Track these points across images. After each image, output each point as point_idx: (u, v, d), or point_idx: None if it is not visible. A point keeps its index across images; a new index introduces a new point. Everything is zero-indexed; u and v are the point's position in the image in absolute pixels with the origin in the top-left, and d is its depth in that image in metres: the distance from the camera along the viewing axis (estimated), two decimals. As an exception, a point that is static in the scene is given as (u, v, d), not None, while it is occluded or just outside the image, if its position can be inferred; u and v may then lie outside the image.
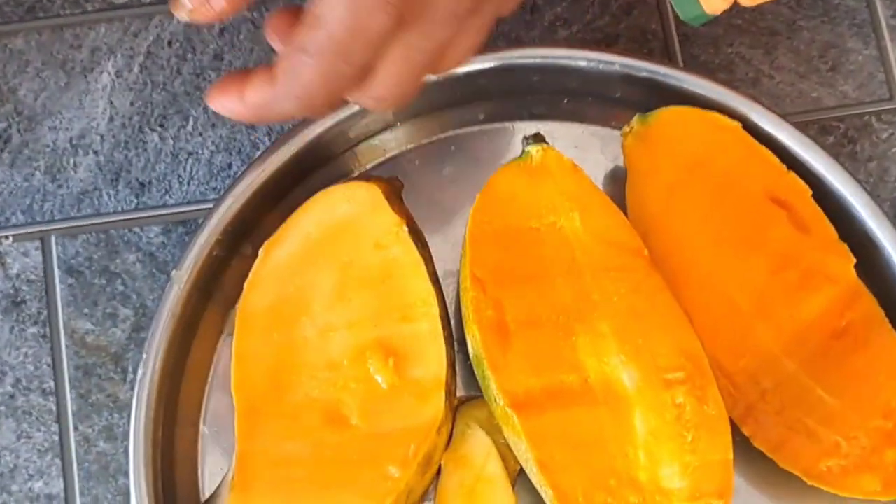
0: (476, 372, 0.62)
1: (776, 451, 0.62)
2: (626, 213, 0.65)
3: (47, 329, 0.69)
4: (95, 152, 0.73)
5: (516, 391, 0.59)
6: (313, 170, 0.69)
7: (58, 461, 0.68)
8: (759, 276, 0.64)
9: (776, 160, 0.66)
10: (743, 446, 0.61)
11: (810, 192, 0.66)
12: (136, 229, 0.72)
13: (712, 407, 0.59)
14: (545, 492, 0.58)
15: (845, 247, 0.65)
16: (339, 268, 0.64)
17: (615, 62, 0.69)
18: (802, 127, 0.68)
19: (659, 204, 0.66)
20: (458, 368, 0.64)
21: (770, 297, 0.64)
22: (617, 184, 0.69)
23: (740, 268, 0.64)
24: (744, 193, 0.65)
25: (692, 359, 0.60)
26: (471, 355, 0.62)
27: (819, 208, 0.65)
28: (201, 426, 0.66)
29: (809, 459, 0.61)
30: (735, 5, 0.59)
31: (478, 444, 0.63)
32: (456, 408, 0.64)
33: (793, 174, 0.66)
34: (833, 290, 0.64)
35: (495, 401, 0.60)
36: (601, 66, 0.69)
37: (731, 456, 0.58)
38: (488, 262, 0.61)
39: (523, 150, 0.65)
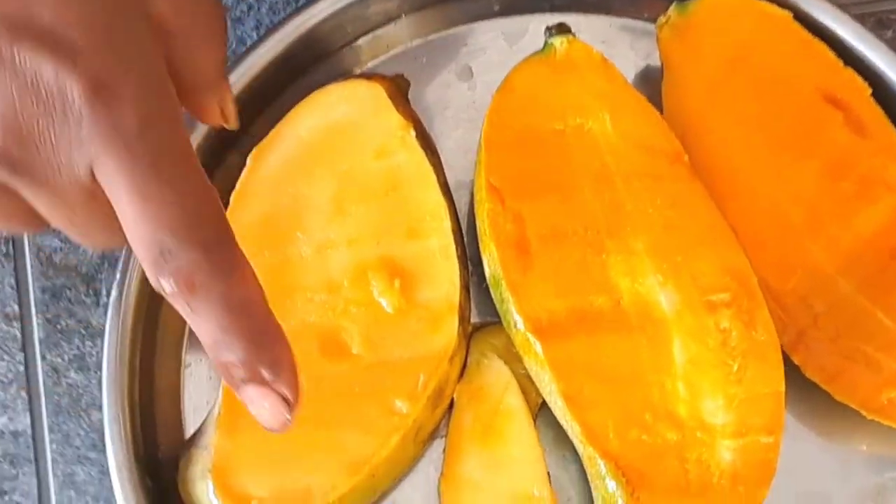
0: (493, 294, 0.58)
1: (831, 382, 0.58)
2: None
3: (10, 247, 0.65)
4: None
5: (539, 315, 0.55)
6: (307, 67, 0.65)
7: (23, 394, 0.64)
8: (810, 186, 0.60)
9: (831, 55, 0.62)
10: (793, 377, 0.57)
11: (869, 91, 0.61)
12: None
13: (761, 332, 0.55)
14: (571, 428, 0.54)
15: (908, 152, 0.61)
16: (338, 177, 0.60)
17: (647, -60, 0.64)
18: (859, 19, 0.63)
19: (699, 104, 0.62)
20: (472, 291, 0.61)
21: (823, 209, 0.60)
22: (649, 84, 0.64)
23: (790, 176, 0.60)
24: (794, 92, 0.61)
25: (738, 278, 0.56)
26: (487, 276, 0.58)
27: (879, 109, 0.61)
28: (184, 355, 0.62)
29: (868, 391, 0.57)
30: None
31: (495, 374, 0.59)
32: (470, 335, 0.60)
33: (850, 71, 0.62)
34: (893, 202, 0.60)
35: (515, 326, 0.55)
36: (631, -55, 0.65)
37: (782, 387, 0.55)
38: (507, 169, 0.57)
39: (546, 43, 0.61)
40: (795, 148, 0.60)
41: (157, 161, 0.38)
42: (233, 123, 0.51)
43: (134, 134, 0.37)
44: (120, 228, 0.39)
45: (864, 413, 0.57)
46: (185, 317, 0.41)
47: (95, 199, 0.39)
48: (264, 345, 0.42)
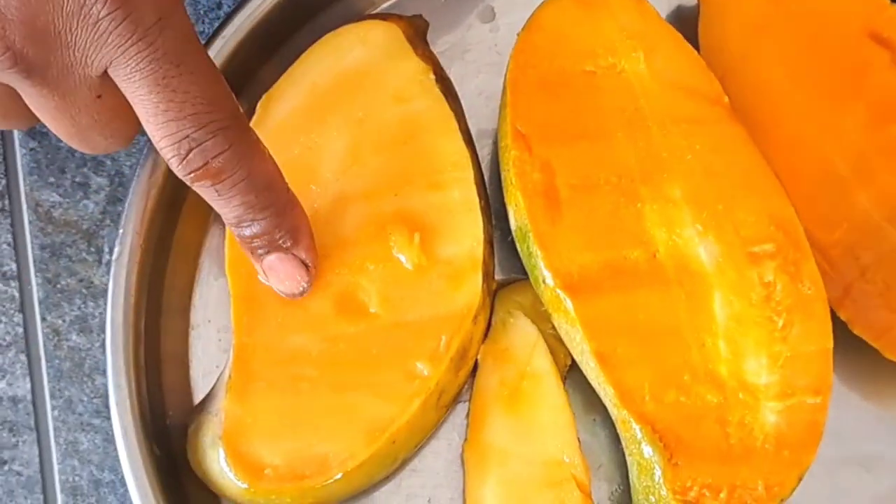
0: (520, 249, 0.56)
1: (880, 339, 0.56)
2: None
3: (6, 202, 0.63)
4: None
5: (569, 270, 0.53)
6: (319, 8, 0.63)
7: (23, 357, 0.62)
8: (857, 131, 0.58)
9: None
10: (839, 333, 0.54)
11: None
12: None
13: (808, 285, 0.53)
14: (605, 390, 0.52)
15: (961, 94, 0.59)
16: (353, 125, 0.58)
17: None
18: (908, -50, 0.61)
19: (739, 45, 0.60)
20: (496, 246, 0.59)
21: (870, 156, 0.58)
22: (685, 22, 0.61)
23: (835, 121, 0.58)
24: (839, 30, 0.59)
25: (784, 227, 0.54)
26: (513, 229, 0.56)
27: None
28: (192, 316, 0.60)
29: None
30: None
31: (521, 334, 0.57)
32: (495, 292, 0.58)
33: None
34: None
35: (543, 282, 0.53)
36: None
37: (830, 344, 0.53)
38: (534, 114, 0.55)
39: None
40: (840, 91, 0.58)
41: (176, 52, 0.40)
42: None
43: (153, 28, 0.39)
44: (120, 129, 0.43)
45: (915, 371, 0.55)
46: (209, 201, 0.45)
47: (102, 100, 0.41)
48: (285, 214, 0.47)
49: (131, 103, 0.41)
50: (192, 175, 0.43)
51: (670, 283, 0.53)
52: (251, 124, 0.56)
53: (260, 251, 0.49)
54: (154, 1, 0.39)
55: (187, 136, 0.41)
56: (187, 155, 0.42)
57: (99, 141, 0.44)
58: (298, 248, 0.50)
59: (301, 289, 0.51)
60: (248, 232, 0.47)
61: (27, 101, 0.42)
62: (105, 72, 0.40)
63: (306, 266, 0.50)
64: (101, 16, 0.38)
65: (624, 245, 0.53)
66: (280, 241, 0.48)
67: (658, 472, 0.51)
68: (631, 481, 0.54)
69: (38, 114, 0.42)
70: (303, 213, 0.49)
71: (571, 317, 0.52)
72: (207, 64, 0.42)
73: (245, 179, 0.44)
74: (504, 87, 0.57)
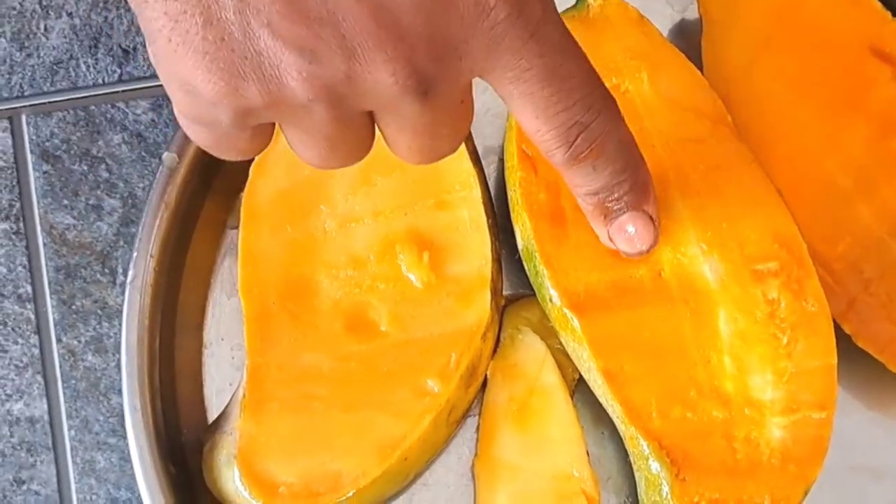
0: (527, 268, 0.57)
1: (884, 351, 0.57)
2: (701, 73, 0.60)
3: (21, 224, 0.65)
4: (69, 14, 0.68)
5: (576, 289, 0.54)
6: None
7: (39, 378, 0.63)
8: (859, 145, 0.59)
9: (879, 6, 0.60)
10: (843, 347, 0.55)
11: None
12: (121, 104, 0.66)
13: (812, 302, 0.54)
14: (612, 406, 0.54)
15: (962, 108, 0.59)
16: None
17: None
18: (908, -35, 0.62)
19: (741, 62, 0.60)
20: (504, 262, 0.59)
21: (873, 170, 0.59)
22: (688, 40, 0.63)
23: (837, 135, 0.59)
24: (841, 46, 0.60)
25: (787, 245, 0.55)
26: (520, 248, 0.57)
27: None
28: (205, 335, 0.62)
29: None
30: None
31: (530, 350, 0.58)
32: (503, 309, 0.60)
33: None
34: None
35: (550, 301, 0.54)
36: None
37: (834, 360, 0.53)
38: None
39: None
40: (842, 106, 0.59)
41: (561, 41, 0.40)
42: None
43: (540, 20, 0.38)
44: (463, 130, 0.42)
45: (920, 384, 0.56)
46: (578, 177, 0.45)
47: (464, 104, 0.41)
48: (638, 171, 0.47)
49: (514, 103, 0.40)
50: (575, 159, 0.43)
51: (675, 300, 0.54)
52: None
53: (615, 212, 0.48)
54: None
55: (576, 122, 0.41)
56: (575, 140, 0.42)
57: (445, 147, 0.42)
58: (648, 203, 0.49)
59: (649, 244, 0.50)
60: (604, 197, 0.47)
61: (393, 123, 0.40)
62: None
63: (654, 221, 0.49)
64: (499, 18, 0.37)
65: (629, 264, 0.54)
66: (633, 199, 0.48)
67: (666, 488, 0.52)
68: (639, 496, 0.55)
69: (395, 135, 0.40)
70: (647, 166, 0.48)
71: (578, 335, 0.53)
72: (576, 43, 0.41)
73: (616, 148, 0.44)
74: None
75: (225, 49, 0.34)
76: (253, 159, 0.59)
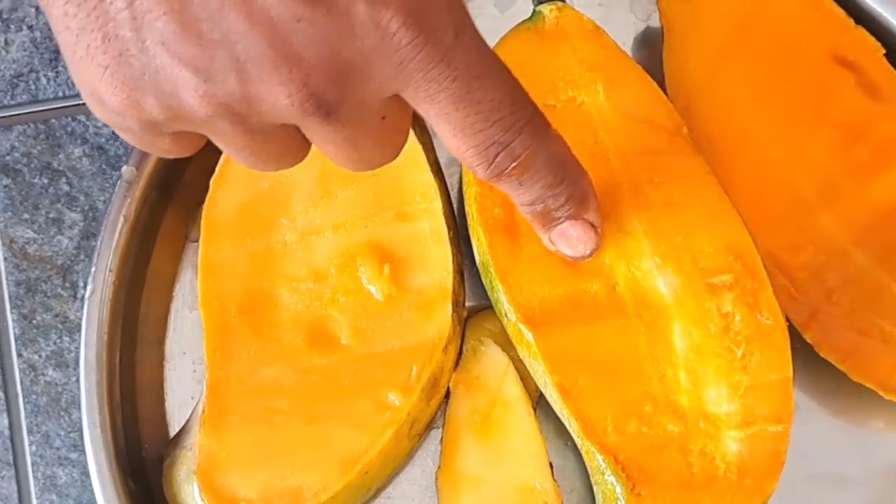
0: (484, 282, 0.57)
1: (846, 361, 0.57)
2: (662, 85, 0.60)
3: None
4: (30, 27, 0.68)
5: (530, 304, 0.54)
6: None
7: (0, 393, 0.64)
8: (822, 154, 0.59)
9: (841, 13, 0.61)
10: (805, 356, 0.57)
11: (882, 51, 0.60)
12: (81, 118, 0.67)
13: (767, 315, 0.54)
14: (568, 421, 0.54)
15: (925, 115, 0.59)
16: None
17: None
18: (870, -27, 0.62)
19: (703, 72, 0.61)
20: (466, 273, 0.60)
21: (836, 178, 0.59)
22: (650, 49, 0.63)
23: (800, 145, 0.59)
24: (804, 54, 0.60)
25: (741, 258, 0.55)
26: (477, 262, 0.57)
27: (892, 69, 0.60)
28: (166, 348, 0.63)
29: (885, 369, 0.57)
30: None
31: (492, 362, 0.59)
32: (465, 320, 0.60)
33: (861, 30, 0.61)
34: None
35: (506, 316, 0.55)
36: None
37: (790, 374, 0.54)
38: None
39: (534, 11, 0.60)
40: (806, 114, 0.59)
41: (476, 64, 0.40)
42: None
43: (451, 45, 0.38)
44: (398, 143, 0.43)
45: (881, 393, 0.56)
46: (507, 191, 0.46)
47: (386, 121, 0.41)
48: (577, 184, 0.47)
49: (431, 121, 0.41)
50: (498, 176, 0.43)
51: (630, 315, 0.54)
52: (222, 159, 0.59)
53: (554, 221, 0.49)
54: (449, 16, 0.38)
55: (494, 142, 0.41)
56: (494, 159, 0.42)
57: (376, 158, 0.43)
58: (588, 213, 0.50)
59: (590, 250, 0.51)
60: (541, 208, 0.47)
61: (311, 137, 0.41)
62: (394, 94, 0.40)
63: (595, 228, 0.50)
64: (402, 44, 0.37)
65: (583, 279, 0.55)
66: (572, 210, 0.49)
67: (622, 502, 0.52)
68: (598, 509, 0.55)
69: (320, 146, 0.41)
70: (588, 178, 0.49)
71: (533, 350, 0.54)
72: (500, 64, 0.42)
73: (545, 165, 0.44)
74: (466, 121, 0.58)
75: (125, 64, 0.36)
76: (214, 172, 0.59)
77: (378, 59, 0.37)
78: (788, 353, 0.54)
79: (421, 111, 0.40)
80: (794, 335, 0.56)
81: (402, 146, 0.43)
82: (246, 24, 0.35)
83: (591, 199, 0.49)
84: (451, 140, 0.41)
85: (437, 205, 0.58)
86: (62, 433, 0.62)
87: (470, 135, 0.41)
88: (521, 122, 0.42)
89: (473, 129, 0.41)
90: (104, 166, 0.65)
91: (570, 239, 0.50)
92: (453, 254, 0.58)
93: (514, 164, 0.43)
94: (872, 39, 0.60)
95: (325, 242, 0.59)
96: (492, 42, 0.56)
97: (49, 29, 0.66)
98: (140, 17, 0.35)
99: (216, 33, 0.35)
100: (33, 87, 0.67)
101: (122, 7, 0.35)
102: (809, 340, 0.57)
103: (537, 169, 0.44)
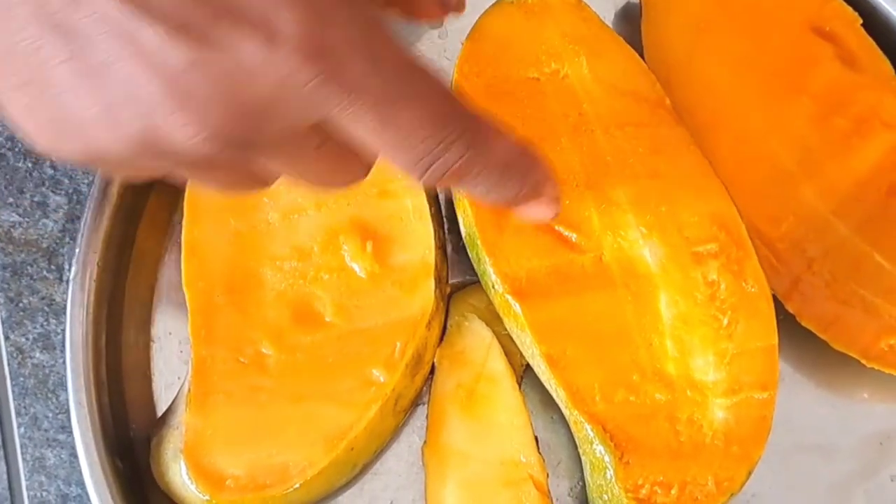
0: (470, 255, 0.56)
1: (827, 330, 0.57)
2: (642, 58, 0.59)
3: None
4: None
5: (517, 275, 0.54)
6: None
7: (-13, 377, 0.62)
8: (802, 125, 0.59)
9: None
10: (788, 326, 0.56)
11: (860, 21, 0.60)
12: None
13: (752, 283, 0.54)
14: (556, 392, 0.53)
15: (903, 84, 0.59)
16: None
17: None
18: (847, -58, 0.61)
19: (682, 44, 0.60)
20: (449, 250, 0.59)
21: (816, 149, 0.58)
22: (630, 23, 0.63)
23: (780, 116, 0.59)
24: (782, 25, 0.60)
25: (726, 227, 0.55)
26: (463, 235, 0.56)
27: (870, 39, 0.60)
28: (152, 330, 0.61)
29: (867, 338, 0.56)
30: None
31: (476, 337, 0.58)
32: (448, 296, 0.59)
33: (839, 0, 0.60)
34: (890, 137, 0.59)
35: (493, 288, 0.54)
36: None
37: (775, 341, 0.53)
38: None
39: None
40: (784, 86, 0.59)
41: (393, 91, 0.38)
42: (460, 7, 0.50)
43: (363, 76, 0.37)
44: (353, 164, 0.41)
45: (863, 361, 0.56)
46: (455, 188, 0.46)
47: (326, 147, 0.40)
48: (526, 178, 0.45)
49: (359, 144, 0.40)
50: (434, 183, 0.42)
51: (616, 285, 0.54)
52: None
53: (510, 205, 0.47)
54: (360, 49, 0.37)
55: (422, 158, 0.40)
56: (426, 170, 0.41)
57: (340, 179, 0.42)
58: (545, 194, 0.48)
59: (551, 217, 0.49)
60: (492, 198, 0.46)
61: (250, 169, 0.40)
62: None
63: (553, 201, 0.48)
64: (304, 82, 0.36)
65: (570, 249, 0.54)
66: (526, 196, 0.47)
67: (610, 471, 0.52)
68: (586, 479, 0.55)
69: (266, 175, 0.41)
70: (542, 164, 0.47)
71: (521, 321, 0.53)
72: (426, 81, 0.40)
73: (485, 169, 0.43)
74: (450, 95, 0.57)
75: (41, 108, 0.35)
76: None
77: (284, 96, 0.36)
78: (773, 320, 0.53)
79: (346, 135, 0.39)
80: (776, 306, 0.55)
81: (369, 165, 0.42)
82: (144, 71, 0.34)
83: (547, 185, 0.48)
84: (383, 153, 0.40)
85: (420, 182, 0.57)
86: (50, 415, 0.61)
87: (398, 153, 0.40)
88: (451, 135, 0.40)
89: (398, 151, 0.39)
90: (88, 149, 0.64)
91: (531, 215, 0.48)
92: (435, 230, 0.57)
93: (447, 173, 0.41)
94: (850, 10, 0.60)
95: (307, 221, 0.58)
96: (474, 16, 0.57)
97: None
98: (46, 62, 0.34)
99: (118, 83, 0.34)
100: (15, 71, 0.65)
101: (33, 50, 0.34)
102: (791, 310, 0.57)
103: (477, 173, 0.43)
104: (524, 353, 0.55)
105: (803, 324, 0.57)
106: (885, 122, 0.58)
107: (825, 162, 0.58)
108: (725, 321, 0.53)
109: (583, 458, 0.54)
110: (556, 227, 0.54)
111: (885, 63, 0.59)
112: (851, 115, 0.58)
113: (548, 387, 0.54)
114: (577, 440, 0.54)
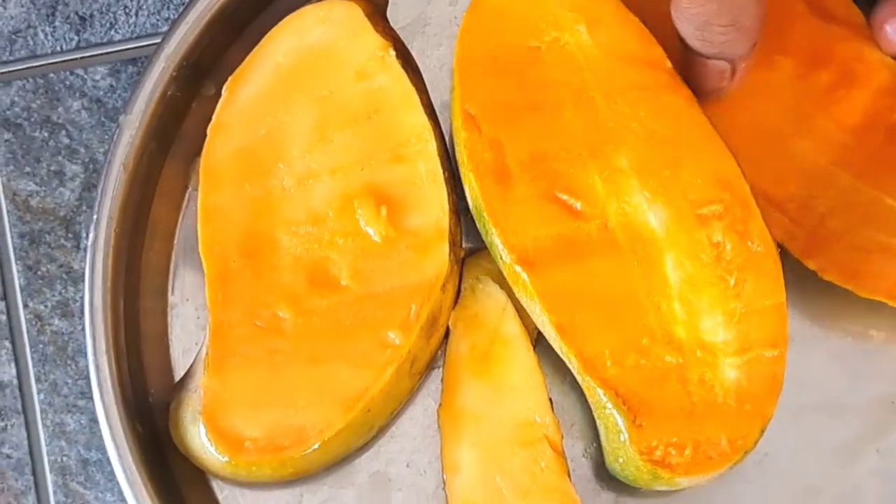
0: (478, 225, 0.56)
1: (852, 280, 0.56)
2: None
3: None
4: None
5: (524, 245, 0.54)
6: None
7: (7, 344, 0.63)
8: (787, 84, 0.59)
9: None
10: (799, 287, 0.57)
11: None
12: (80, 71, 0.66)
13: (757, 242, 0.54)
14: (568, 359, 0.53)
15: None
16: (318, 103, 0.59)
17: None
18: None
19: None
20: (462, 214, 0.59)
21: (805, 104, 0.58)
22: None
23: (764, 77, 0.58)
24: None
25: (730, 187, 0.54)
26: (470, 207, 0.57)
27: None
28: (169, 296, 0.62)
29: (892, 280, 0.56)
30: None
31: (490, 299, 0.58)
32: (462, 260, 0.60)
33: None
34: (875, 81, 0.58)
35: (500, 258, 0.54)
36: None
37: (783, 298, 0.53)
38: (481, 94, 0.56)
39: None
40: (762, 48, 0.57)
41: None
42: None
43: None
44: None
45: (892, 304, 0.56)
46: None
47: None
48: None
49: None
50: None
51: (622, 250, 0.54)
52: (219, 107, 0.58)
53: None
54: None
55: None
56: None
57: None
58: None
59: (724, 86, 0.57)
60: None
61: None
62: None
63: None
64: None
65: (575, 217, 0.54)
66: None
67: (624, 434, 0.52)
68: (601, 442, 0.55)
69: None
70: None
71: (529, 290, 0.53)
72: None
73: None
74: (453, 68, 0.57)
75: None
76: (210, 120, 0.59)
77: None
78: (781, 278, 0.53)
79: None
80: (796, 265, 0.55)
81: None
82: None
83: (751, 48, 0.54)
84: None
85: (432, 146, 0.57)
86: (69, 381, 0.62)
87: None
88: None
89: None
90: (103, 119, 0.65)
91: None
92: (449, 194, 0.57)
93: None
94: (817, -39, 0.59)
95: (322, 186, 0.58)
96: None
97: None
98: None
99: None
100: (31, 42, 0.66)
101: None
102: (812, 267, 0.57)
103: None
104: (535, 322, 0.55)
105: (826, 278, 0.56)
106: (867, 68, 0.58)
107: (815, 115, 0.58)
108: (732, 281, 0.53)
109: (597, 421, 0.54)
110: (561, 196, 0.54)
111: (856, 10, 0.59)
112: (834, 66, 0.58)
113: (559, 354, 0.54)
114: (591, 405, 0.54)
